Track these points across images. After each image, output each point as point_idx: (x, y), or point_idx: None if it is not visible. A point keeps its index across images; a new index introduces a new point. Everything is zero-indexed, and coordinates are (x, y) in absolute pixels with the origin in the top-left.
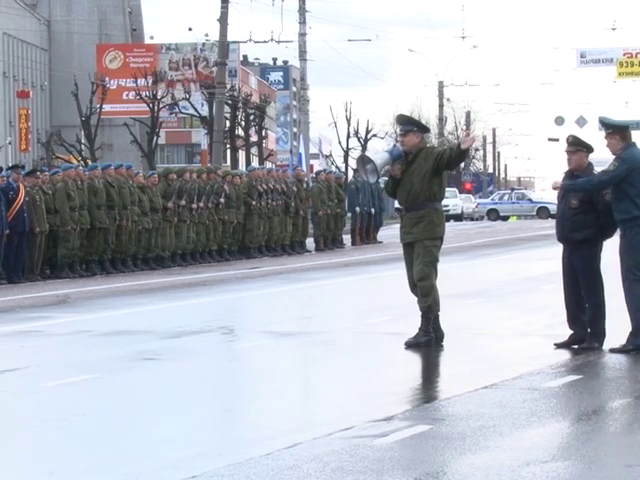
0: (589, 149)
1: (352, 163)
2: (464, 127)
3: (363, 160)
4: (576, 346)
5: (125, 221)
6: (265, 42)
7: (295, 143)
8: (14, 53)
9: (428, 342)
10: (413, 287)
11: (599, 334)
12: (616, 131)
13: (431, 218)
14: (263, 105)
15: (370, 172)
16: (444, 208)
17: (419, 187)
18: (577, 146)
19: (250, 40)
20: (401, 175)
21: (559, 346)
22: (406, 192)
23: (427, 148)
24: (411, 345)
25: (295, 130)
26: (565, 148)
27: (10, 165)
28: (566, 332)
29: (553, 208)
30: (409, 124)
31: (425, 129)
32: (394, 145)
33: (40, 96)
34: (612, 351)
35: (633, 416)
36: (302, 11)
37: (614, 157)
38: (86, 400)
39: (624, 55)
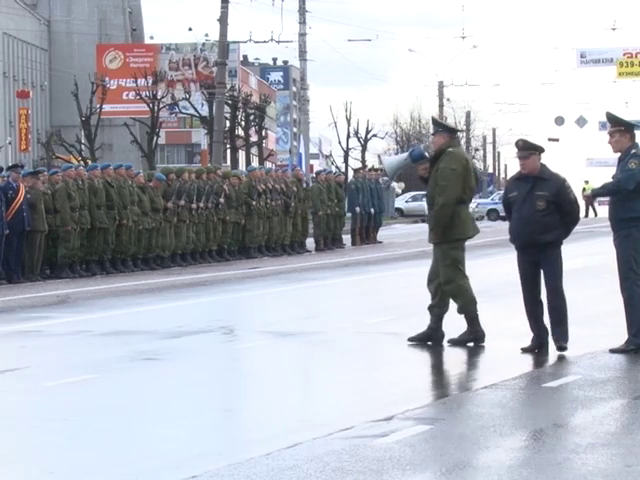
0: (541, 151)
1: (352, 163)
2: (464, 127)
3: (381, 162)
4: (537, 350)
5: (126, 221)
6: (265, 42)
7: (295, 143)
8: (14, 53)
9: (474, 340)
10: (429, 283)
11: (565, 333)
12: (628, 129)
13: None
14: (263, 105)
15: (385, 174)
16: None
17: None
18: (529, 150)
19: (250, 40)
20: (428, 175)
21: (525, 351)
22: (429, 192)
23: (450, 152)
24: (455, 343)
25: (295, 130)
26: (516, 154)
27: (10, 165)
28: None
29: None
30: (436, 125)
31: (452, 130)
32: (416, 146)
33: (40, 96)
34: (612, 351)
35: (633, 416)
36: (302, 11)
37: (628, 156)
38: (86, 400)
39: (624, 55)
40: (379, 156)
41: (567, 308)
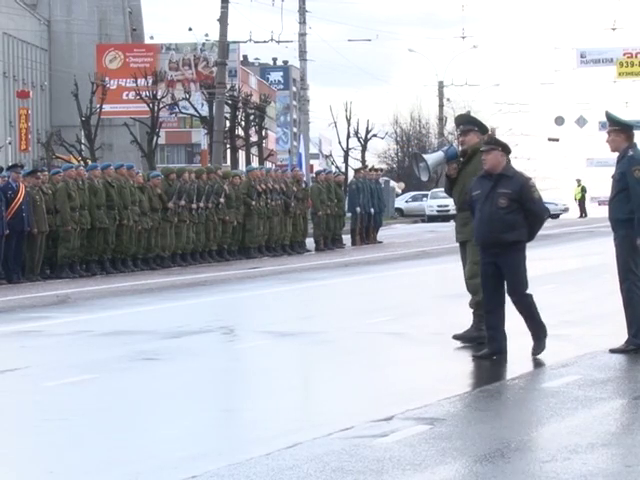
0: (505, 148)
1: (352, 163)
2: None
3: (416, 158)
4: (494, 357)
5: (126, 221)
6: (265, 42)
7: (295, 143)
8: (14, 53)
9: (478, 338)
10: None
11: (543, 336)
12: (623, 129)
13: None
14: (263, 105)
15: (422, 170)
16: (444, 208)
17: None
18: (491, 145)
19: (250, 40)
20: (457, 175)
21: (478, 357)
22: (458, 192)
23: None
24: (459, 338)
25: (295, 130)
26: (481, 148)
27: (9, 165)
28: (565, 332)
29: (553, 208)
30: (470, 124)
31: (485, 129)
32: (450, 145)
33: (40, 96)
34: (612, 351)
35: (633, 416)
36: (302, 11)
37: (626, 157)
38: (86, 400)
39: (624, 55)
40: (416, 154)
41: (538, 313)
